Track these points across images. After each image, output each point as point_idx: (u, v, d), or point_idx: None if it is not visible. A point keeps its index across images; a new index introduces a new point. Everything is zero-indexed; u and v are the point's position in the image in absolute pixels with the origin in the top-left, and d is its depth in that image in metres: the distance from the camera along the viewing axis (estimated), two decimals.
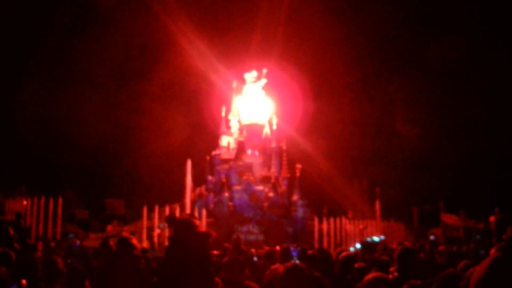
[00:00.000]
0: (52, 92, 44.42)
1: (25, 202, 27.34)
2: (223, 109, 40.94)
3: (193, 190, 36.50)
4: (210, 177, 38.47)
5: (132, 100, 48.67)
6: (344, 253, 8.22)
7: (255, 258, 14.70)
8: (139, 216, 33.84)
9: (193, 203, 35.58)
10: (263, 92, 40.63)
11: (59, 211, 29.08)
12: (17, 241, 10.26)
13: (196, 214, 27.66)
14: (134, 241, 5.43)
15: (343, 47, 43.66)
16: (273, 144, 39.73)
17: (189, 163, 35.73)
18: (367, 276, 3.80)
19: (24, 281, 6.24)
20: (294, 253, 12.86)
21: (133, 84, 49.42)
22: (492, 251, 2.02)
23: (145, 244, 28.49)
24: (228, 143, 40.14)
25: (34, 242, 20.76)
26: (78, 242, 23.40)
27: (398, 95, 39.70)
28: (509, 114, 39.69)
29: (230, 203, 35.87)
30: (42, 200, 28.03)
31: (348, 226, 35.20)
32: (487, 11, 40.50)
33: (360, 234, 33.91)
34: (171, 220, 3.32)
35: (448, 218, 37.28)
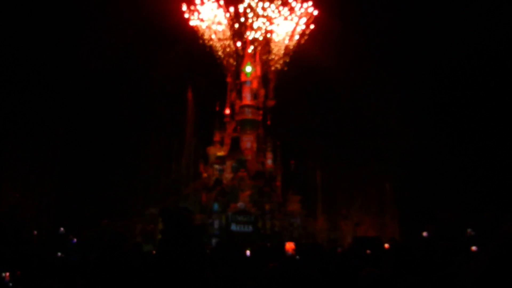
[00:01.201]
0: None
1: (17, 195, 27.17)
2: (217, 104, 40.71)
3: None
4: (204, 173, 38.37)
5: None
6: (339, 249, 8.25)
7: (248, 254, 14.73)
8: (134, 212, 33.79)
9: (187, 197, 35.55)
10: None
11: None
12: (11, 234, 10.23)
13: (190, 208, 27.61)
14: (127, 235, 5.41)
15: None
16: (268, 139, 39.71)
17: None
18: (361, 272, 3.80)
19: (18, 272, 6.24)
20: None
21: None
22: (489, 246, 2.02)
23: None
24: (222, 138, 40.00)
25: (28, 236, 20.71)
26: (74, 239, 23.36)
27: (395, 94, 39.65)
28: (508, 112, 39.82)
29: (224, 198, 35.85)
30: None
31: (342, 222, 35.28)
32: (487, 11, 40.55)
33: (353, 230, 33.98)
34: (165, 213, 3.29)
35: (442, 215, 37.38)
